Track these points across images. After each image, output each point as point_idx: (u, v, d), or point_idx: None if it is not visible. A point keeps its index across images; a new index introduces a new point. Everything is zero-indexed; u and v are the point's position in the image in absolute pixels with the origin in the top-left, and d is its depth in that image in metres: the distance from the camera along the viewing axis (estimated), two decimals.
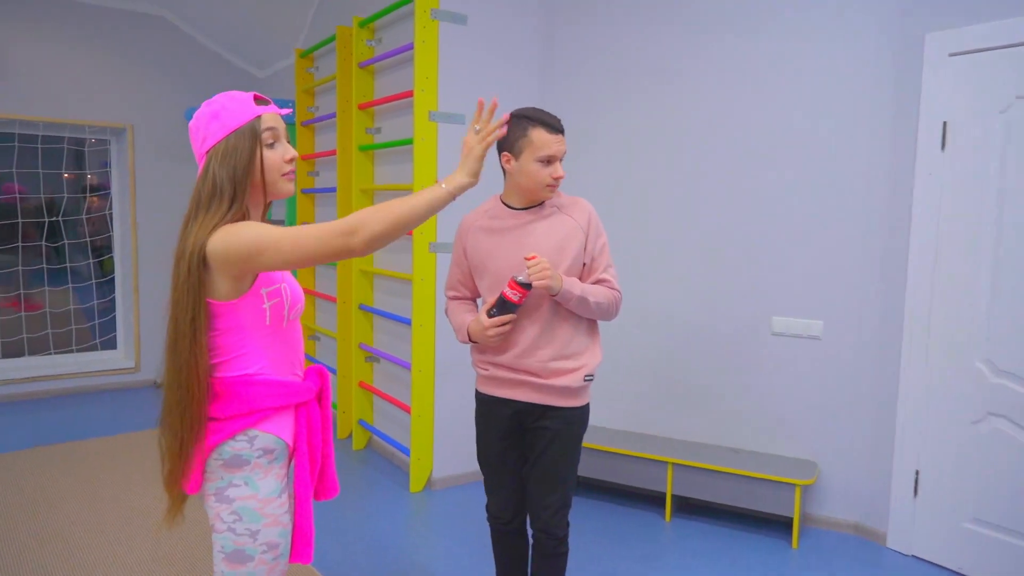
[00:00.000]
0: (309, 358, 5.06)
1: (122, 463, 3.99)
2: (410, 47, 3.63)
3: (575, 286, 2.06)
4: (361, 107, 4.12)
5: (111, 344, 5.71)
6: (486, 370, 2.20)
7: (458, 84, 3.64)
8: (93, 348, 5.64)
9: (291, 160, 1.59)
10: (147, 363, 5.70)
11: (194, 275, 1.45)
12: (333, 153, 4.50)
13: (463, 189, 1.59)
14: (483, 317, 2.08)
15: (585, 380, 2.13)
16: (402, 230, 1.47)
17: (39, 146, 5.35)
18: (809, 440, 3.29)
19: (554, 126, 2.05)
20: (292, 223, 5.13)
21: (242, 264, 1.44)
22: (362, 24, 4.12)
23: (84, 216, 5.58)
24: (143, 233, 5.61)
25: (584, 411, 2.19)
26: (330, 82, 4.70)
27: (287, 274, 1.66)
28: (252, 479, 1.56)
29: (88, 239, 5.57)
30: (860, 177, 3.10)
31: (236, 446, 1.55)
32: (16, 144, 5.27)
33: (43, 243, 5.42)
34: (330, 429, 1.76)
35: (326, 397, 1.77)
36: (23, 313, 5.39)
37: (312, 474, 1.70)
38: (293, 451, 1.67)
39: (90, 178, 5.62)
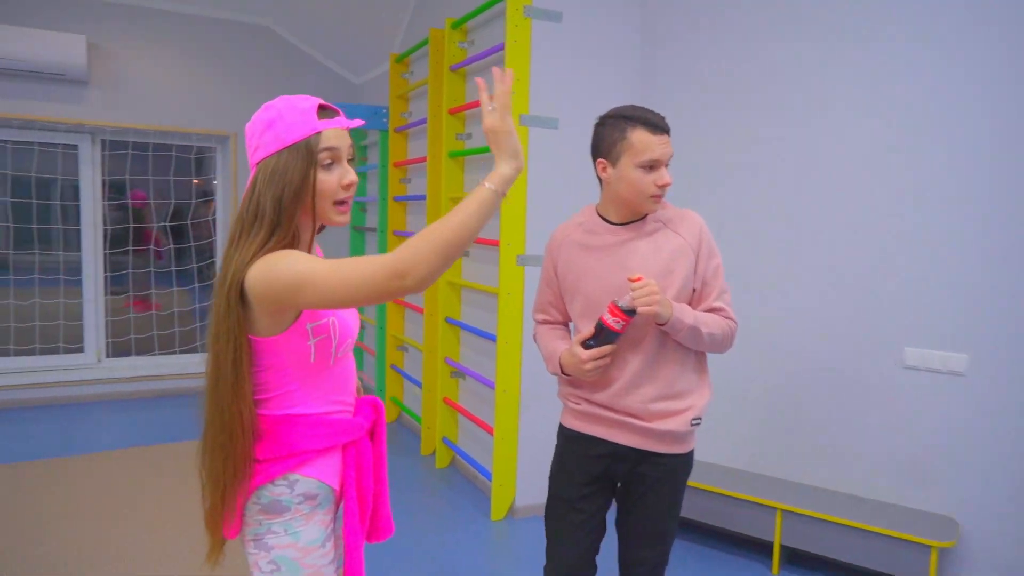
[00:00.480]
0: (397, 370, 4.95)
1: None
2: (501, 47, 3.43)
3: (686, 314, 1.77)
4: (451, 112, 3.96)
5: None
6: (578, 404, 1.93)
7: (551, 86, 3.40)
8: (193, 351, 5.77)
9: (349, 186, 1.40)
10: None
11: (234, 310, 1.29)
12: (424, 160, 4.37)
13: (510, 181, 1.33)
14: (577, 348, 1.81)
15: (692, 424, 1.86)
16: (457, 254, 1.25)
17: (150, 153, 5.52)
18: (947, 493, 2.82)
19: (658, 125, 1.77)
20: (383, 231, 5.05)
21: (280, 301, 1.27)
22: (454, 26, 3.96)
23: (189, 221, 5.72)
24: None
25: (689, 458, 1.91)
26: (423, 87, 4.57)
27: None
28: (292, 526, 1.39)
29: (193, 244, 5.70)
30: (1011, 186, 2.62)
31: (276, 491, 1.38)
32: (129, 152, 5.46)
33: (151, 247, 5.59)
34: (384, 466, 1.58)
35: (380, 432, 1.57)
36: (136, 313, 5.58)
37: (363, 518, 1.51)
38: (341, 494, 1.48)
39: (196, 183, 5.76)
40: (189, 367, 5.63)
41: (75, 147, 5.33)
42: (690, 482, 3.17)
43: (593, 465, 1.91)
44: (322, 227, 1.47)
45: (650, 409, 1.83)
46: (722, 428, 3.42)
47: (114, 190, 5.48)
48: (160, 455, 4.22)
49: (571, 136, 3.44)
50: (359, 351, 5.82)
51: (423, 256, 1.21)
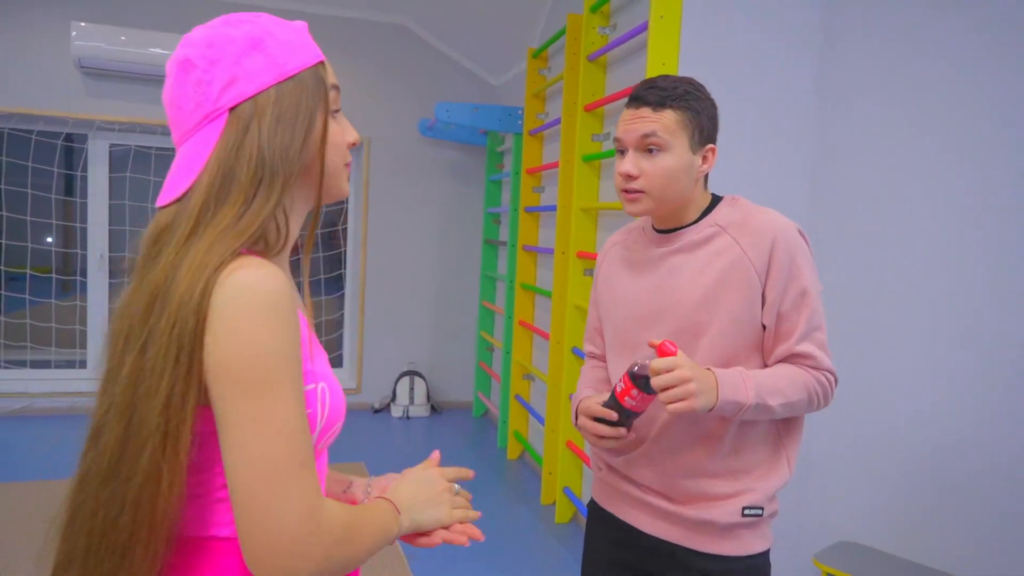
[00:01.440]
0: (521, 402, 4.41)
1: None
2: (644, 28, 2.81)
3: (742, 389, 1.28)
4: (587, 108, 3.38)
5: (337, 362, 5.60)
6: (599, 470, 1.55)
7: (704, 69, 2.71)
8: None
9: (351, 145, 0.99)
10: (368, 386, 5.49)
11: (187, 341, 0.77)
12: (556, 165, 3.82)
13: (418, 528, 1.01)
14: (594, 406, 1.36)
15: (747, 515, 1.37)
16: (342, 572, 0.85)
17: None
18: None
19: (637, 95, 1.37)
20: (513, 246, 4.55)
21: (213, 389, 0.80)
22: (594, 8, 3.38)
23: (319, 231, 5.54)
24: (372, 250, 5.42)
25: (755, 564, 1.39)
26: (559, 83, 4.04)
27: (327, 366, 0.94)
28: None
29: (322, 253, 5.52)
30: None
31: None
32: None
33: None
34: None
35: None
36: None
37: None
38: None
39: None
40: None
41: None
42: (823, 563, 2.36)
43: (622, 552, 1.49)
44: (318, 212, 0.99)
45: (683, 486, 1.39)
46: (853, 498, 2.56)
47: None
48: None
49: (729, 129, 2.74)
50: (484, 376, 5.36)
51: (342, 543, 0.84)
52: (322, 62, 0.93)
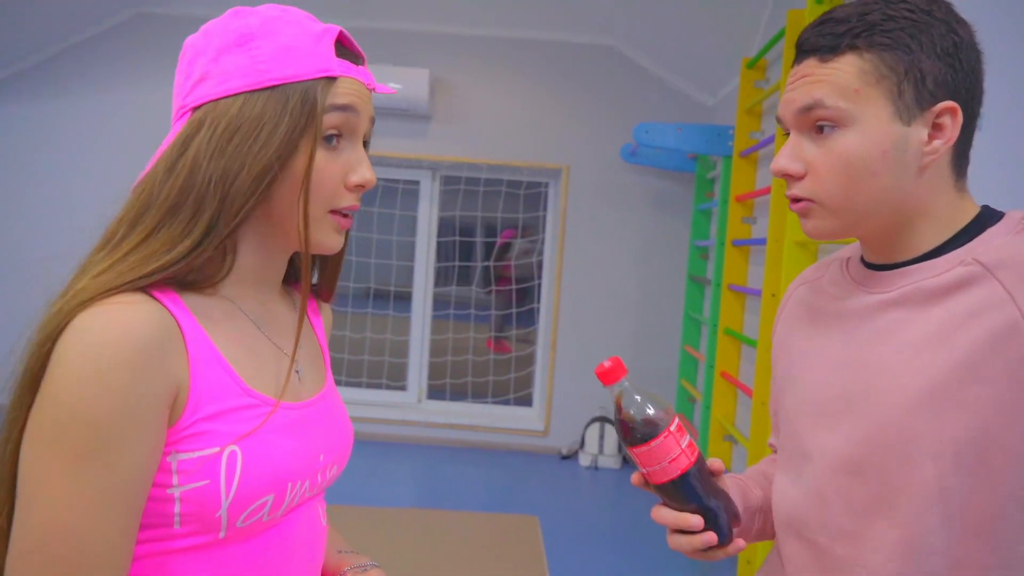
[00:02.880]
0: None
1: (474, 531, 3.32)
2: None
3: None
4: None
5: (527, 402, 5.32)
6: None
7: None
8: (507, 402, 5.31)
9: (357, 187, 0.80)
10: (556, 430, 5.13)
11: (27, 387, 0.69)
12: (768, 191, 3.22)
13: None
14: (666, 513, 0.91)
15: None
16: None
17: (480, 189, 5.26)
18: None
19: (800, 41, 0.87)
20: (717, 285, 3.96)
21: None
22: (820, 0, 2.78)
23: (513, 262, 5.33)
24: (566, 284, 5.08)
25: None
26: (775, 94, 3.43)
27: (264, 428, 0.76)
28: None
29: (514, 286, 5.30)
30: None
31: None
32: (462, 187, 5.27)
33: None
34: None
35: None
36: (495, 355, 5.34)
37: None
38: None
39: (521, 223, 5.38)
40: (503, 420, 5.18)
41: (416, 183, 5.30)
42: None
43: None
44: (311, 262, 0.87)
45: None
46: None
47: (442, 226, 5.35)
48: (445, 524, 3.70)
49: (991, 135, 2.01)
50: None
51: None
52: (330, 76, 0.76)
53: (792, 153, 0.84)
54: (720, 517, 0.88)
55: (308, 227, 0.75)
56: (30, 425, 0.66)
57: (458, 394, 5.35)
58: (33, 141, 5.01)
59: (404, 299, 5.33)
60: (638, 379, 0.88)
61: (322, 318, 0.97)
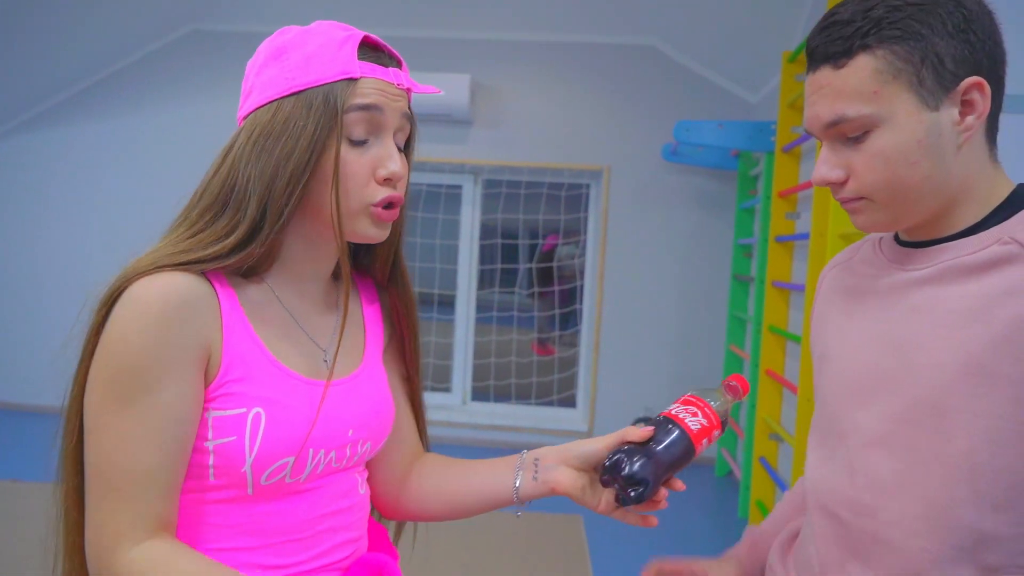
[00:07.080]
0: (766, 466, 3.72)
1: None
2: None
3: None
4: None
5: (570, 402, 5.32)
6: None
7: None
8: (550, 403, 5.32)
9: (388, 180, 0.85)
10: (600, 430, 5.10)
11: (88, 346, 0.82)
12: (811, 186, 3.18)
13: None
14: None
15: None
16: None
17: (522, 192, 5.30)
18: None
19: (809, 49, 0.86)
20: (761, 282, 3.91)
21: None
22: None
23: (556, 264, 5.35)
24: (609, 284, 5.08)
25: None
26: None
27: (287, 393, 0.83)
28: None
29: (556, 287, 5.31)
30: None
31: None
32: (503, 191, 5.31)
33: (514, 290, 5.35)
34: None
35: None
36: (539, 357, 5.38)
37: None
38: None
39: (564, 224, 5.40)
40: (547, 421, 5.19)
41: (458, 187, 5.37)
42: None
43: None
44: (346, 249, 0.89)
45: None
46: None
47: (484, 230, 5.40)
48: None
49: None
50: (729, 432, 4.69)
51: None
52: (350, 78, 0.81)
53: (830, 161, 0.86)
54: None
55: (341, 222, 0.82)
56: (91, 371, 0.78)
57: (502, 396, 5.38)
58: (95, 159, 5.24)
59: (448, 303, 5.40)
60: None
61: (380, 304, 1.04)
